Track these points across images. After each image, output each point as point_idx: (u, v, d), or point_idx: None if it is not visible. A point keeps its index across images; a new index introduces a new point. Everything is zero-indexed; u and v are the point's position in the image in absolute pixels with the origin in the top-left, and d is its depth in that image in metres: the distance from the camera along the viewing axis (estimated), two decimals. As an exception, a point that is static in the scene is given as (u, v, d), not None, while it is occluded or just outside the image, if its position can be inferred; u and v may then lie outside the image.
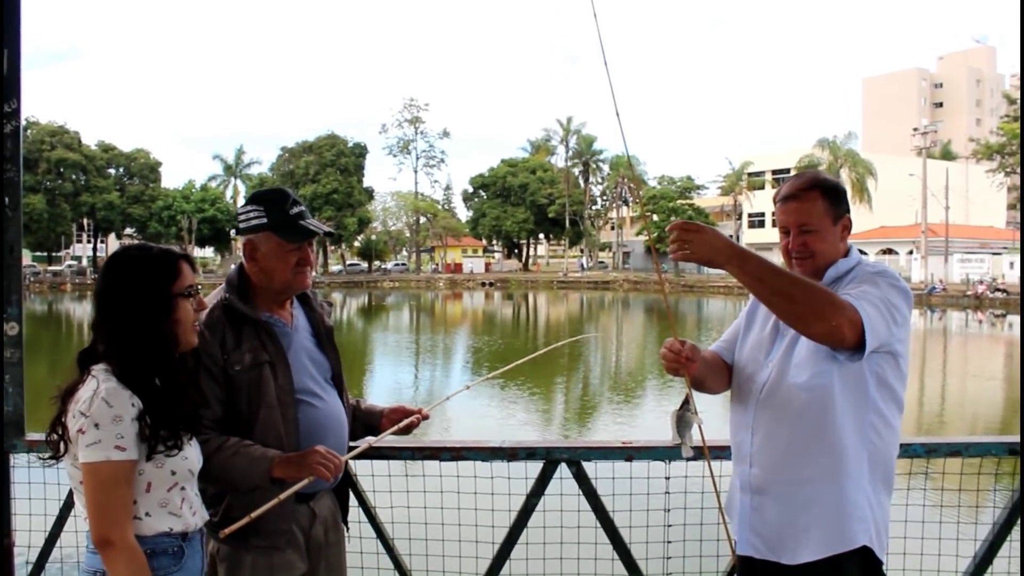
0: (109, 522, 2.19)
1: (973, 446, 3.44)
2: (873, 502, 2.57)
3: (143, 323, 2.30)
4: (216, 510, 2.74)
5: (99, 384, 2.23)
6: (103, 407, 2.19)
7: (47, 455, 2.36)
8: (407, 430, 3.09)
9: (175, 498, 2.34)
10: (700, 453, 2.74)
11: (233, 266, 2.96)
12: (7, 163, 3.48)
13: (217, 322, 2.76)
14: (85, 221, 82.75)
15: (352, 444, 3.03)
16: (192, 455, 2.40)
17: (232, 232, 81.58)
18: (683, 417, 2.65)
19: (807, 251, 2.67)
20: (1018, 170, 65.78)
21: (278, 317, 2.88)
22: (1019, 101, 61.78)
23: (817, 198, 2.67)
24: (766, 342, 2.75)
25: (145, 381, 2.28)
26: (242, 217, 2.87)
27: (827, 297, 2.37)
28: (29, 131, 76.91)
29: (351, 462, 3.07)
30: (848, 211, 2.75)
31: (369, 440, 3.03)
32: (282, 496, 2.61)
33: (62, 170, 79.82)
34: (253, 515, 2.57)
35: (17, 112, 3.51)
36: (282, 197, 2.85)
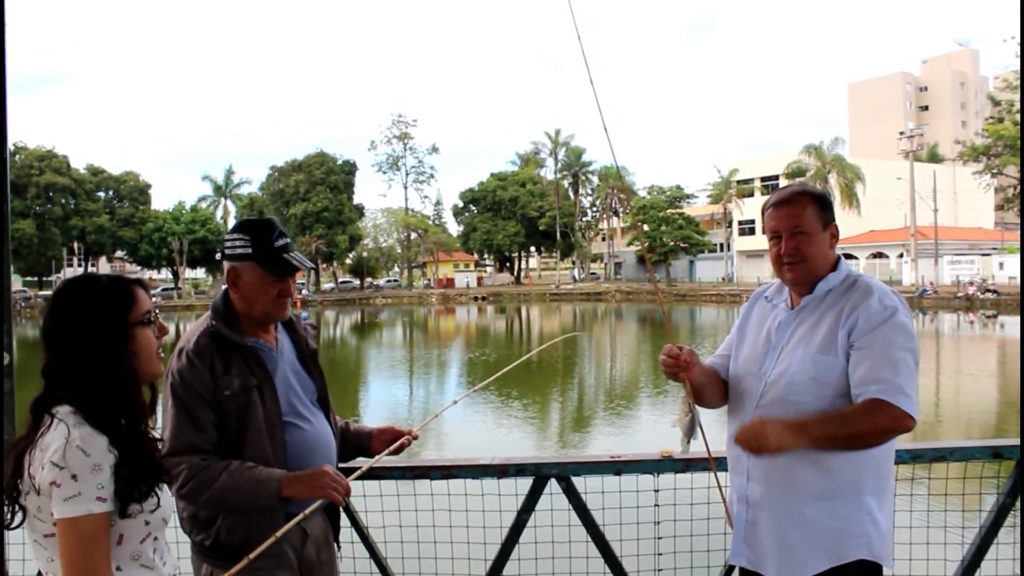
0: None
1: (958, 451, 3.48)
2: (874, 514, 2.60)
3: (101, 358, 2.11)
4: (207, 534, 2.78)
5: (70, 430, 2.02)
6: (79, 456, 1.99)
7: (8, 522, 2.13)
8: (398, 451, 3.12)
9: (147, 550, 2.17)
10: (692, 464, 2.77)
11: (219, 293, 2.98)
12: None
13: (205, 349, 2.79)
14: (75, 245, 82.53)
15: (350, 466, 3.07)
16: (166, 502, 2.22)
17: (218, 257, 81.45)
18: (692, 418, 2.70)
19: (799, 254, 2.72)
20: (1004, 171, 66.15)
21: (263, 342, 2.91)
22: (1020, 100, 62.07)
23: (808, 203, 2.74)
24: (760, 355, 2.80)
25: (114, 423, 2.09)
26: (228, 244, 2.90)
27: (882, 414, 2.49)
28: (18, 156, 76.90)
29: None
30: (834, 220, 2.80)
31: (369, 462, 3.05)
32: (286, 528, 2.60)
33: (51, 194, 79.66)
34: (251, 556, 2.53)
35: (3, 141, 3.52)
36: (268, 228, 2.88)
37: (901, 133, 71.12)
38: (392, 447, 3.08)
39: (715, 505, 2.89)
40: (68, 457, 1.99)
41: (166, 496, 2.24)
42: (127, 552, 2.13)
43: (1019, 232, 63.50)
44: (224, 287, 2.96)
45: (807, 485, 2.61)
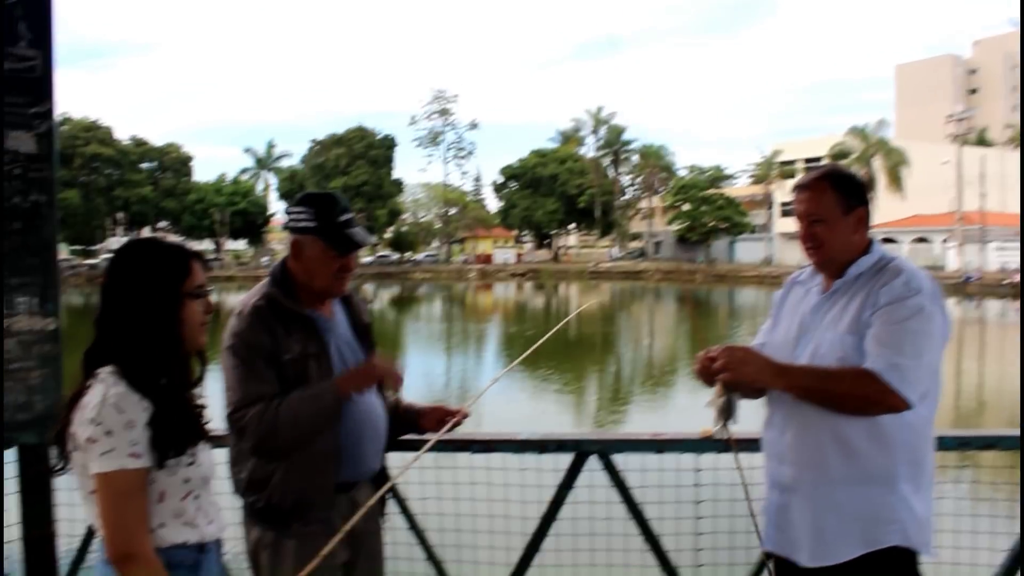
0: (128, 535, 2.07)
1: (1006, 439, 3.41)
2: (909, 500, 2.55)
3: (150, 321, 2.18)
4: (259, 496, 2.79)
5: (108, 389, 2.10)
6: (113, 413, 2.06)
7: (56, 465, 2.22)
8: (453, 429, 3.11)
9: (189, 507, 2.21)
10: (729, 445, 2.73)
11: (276, 262, 2.99)
12: (42, 162, 3.54)
13: (263, 311, 2.80)
14: (119, 215, 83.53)
15: (418, 438, 3.13)
16: (205, 461, 2.28)
17: (262, 224, 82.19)
18: (728, 401, 2.65)
19: (816, 241, 2.69)
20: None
21: (319, 312, 2.92)
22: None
23: (827, 189, 2.69)
24: (792, 339, 2.76)
25: (153, 383, 2.15)
26: (292, 216, 2.90)
27: (866, 382, 2.46)
28: (64, 127, 77.36)
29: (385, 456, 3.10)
30: (864, 203, 2.73)
31: (432, 440, 3.00)
32: (338, 536, 2.44)
33: (96, 165, 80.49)
34: (305, 571, 2.37)
35: (50, 112, 3.55)
36: (332, 203, 2.87)
37: (949, 116, 69.76)
38: (447, 427, 3.06)
39: (758, 487, 2.86)
40: (103, 414, 2.06)
41: (206, 455, 2.30)
42: (169, 509, 2.18)
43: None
44: (280, 258, 2.97)
45: (838, 469, 2.57)
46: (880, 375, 2.44)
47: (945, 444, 3.25)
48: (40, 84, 3.53)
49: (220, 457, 3.28)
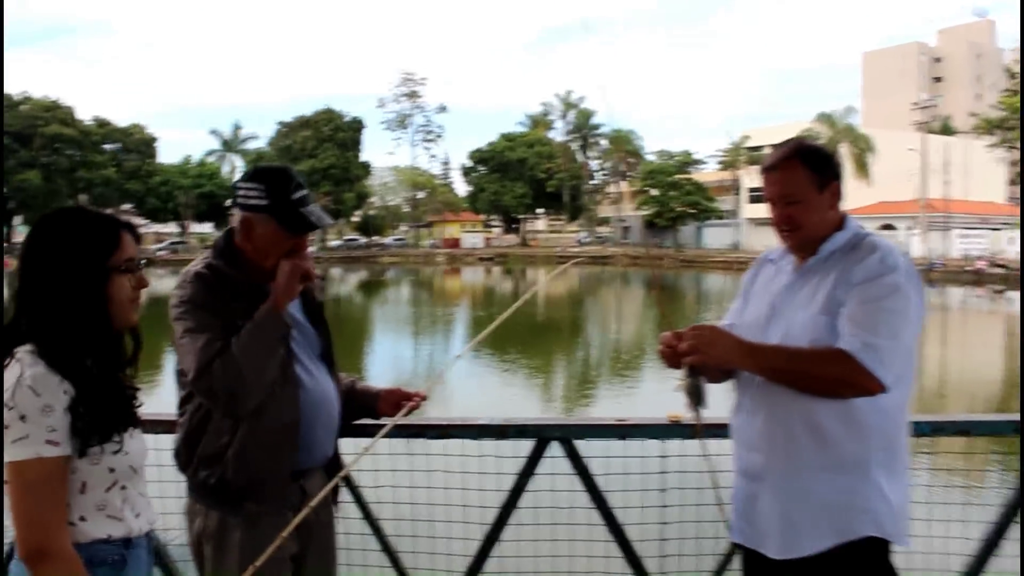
0: (42, 529, 1.89)
1: (981, 424, 3.34)
2: (883, 489, 2.43)
3: (72, 297, 2.00)
4: (211, 471, 2.62)
5: (23, 369, 1.92)
6: (29, 396, 1.89)
7: None
8: (410, 413, 2.97)
9: (115, 499, 2.04)
10: (697, 431, 2.61)
11: (221, 234, 2.81)
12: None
13: (208, 277, 2.64)
14: (82, 197, 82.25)
15: (373, 423, 3.01)
16: (134, 449, 2.10)
17: (228, 204, 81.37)
18: (696, 385, 2.52)
19: (792, 223, 2.55)
20: (1018, 145, 65.54)
21: (268, 287, 2.73)
22: (1020, 75, 61.39)
23: (797, 167, 2.55)
24: (763, 320, 2.62)
25: (76, 364, 1.98)
26: (241, 192, 2.70)
27: (840, 362, 2.35)
28: (23, 106, 76.29)
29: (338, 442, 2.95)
30: (837, 177, 2.60)
31: (387, 426, 2.84)
32: (288, 529, 2.42)
33: (57, 145, 78.83)
34: (257, 563, 2.33)
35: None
36: (285, 178, 2.68)
37: (914, 104, 70.45)
38: (404, 411, 2.92)
39: (726, 474, 2.74)
40: (18, 397, 1.89)
41: (137, 442, 2.13)
42: (91, 501, 2.01)
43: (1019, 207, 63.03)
44: (225, 229, 2.78)
45: (809, 457, 2.44)
46: (854, 355, 2.32)
47: (920, 430, 3.15)
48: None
49: (159, 444, 3.14)
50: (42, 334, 1.99)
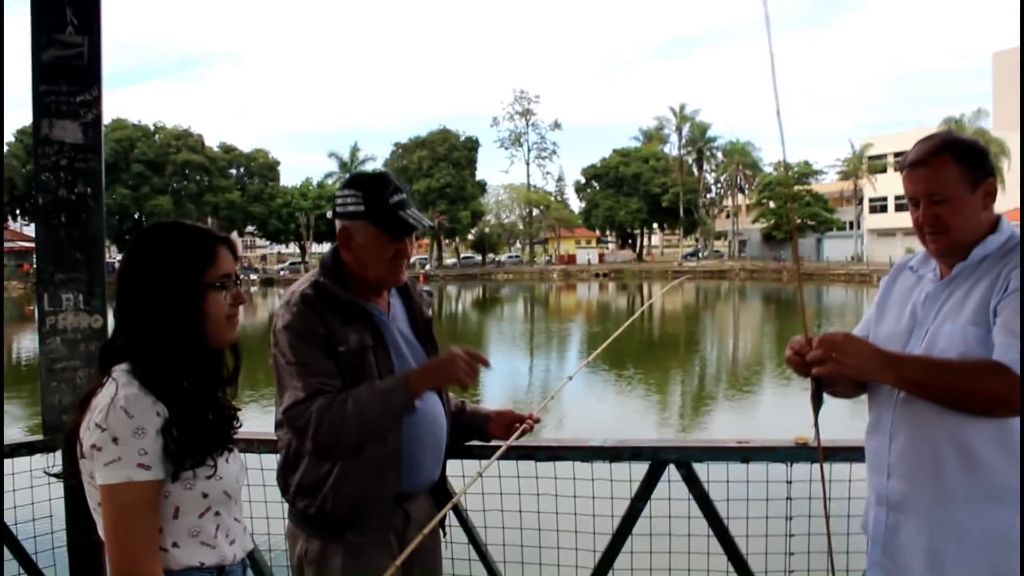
0: (134, 555, 1.84)
1: None
2: None
3: (165, 315, 1.93)
4: (311, 501, 2.58)
5: (118, 390, 1.86)
6: (122, 418, 1.83)
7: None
8: (523, 436, 2.88)
9: (208, 525, 1.97)
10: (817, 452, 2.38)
11: (328, 251, 2.75)
12: (88, 152, 3.41)
13: (314, 301, 2.57)
14: (209, 220, 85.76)
15: (486, 444, 2.97)
16: (229, 473, 2.02)
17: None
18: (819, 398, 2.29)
19: (940, 225, 2.29)
20: None
21: (375, 304, 2.67)
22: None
23: (949, 163, 2.28)
24: (903, 333, 2.38)
25: (171, 384, 1.91)
26: (339, 200, 2.64)
27: (995, 377, 2.09)
28: (157, 136, 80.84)
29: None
30: (991, 174, 2.34)
31: (505, 443, 2.78)
32: (399, 560, 2.29)
33: (187, 172, 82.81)
34: None
35: (98, 100, 3.45)
36: (382, 183, 2.61)
37: (1051, 105, 67.02)
38: (517, 434, 2.82)
39: (858, 501, 2.51)
40: (111, 419, 1.83)
41: (233, 466, 2.05)
42: (184, 527, 1.94)
43: None
44: (332, 246, 2.73)
45: (959, 484, 2.20)
46: (1013, 370, 2.06)
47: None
48: (87, 71, 3.46)
49: (263, 464, 3.10)
50: (137, 352, 1.94)
